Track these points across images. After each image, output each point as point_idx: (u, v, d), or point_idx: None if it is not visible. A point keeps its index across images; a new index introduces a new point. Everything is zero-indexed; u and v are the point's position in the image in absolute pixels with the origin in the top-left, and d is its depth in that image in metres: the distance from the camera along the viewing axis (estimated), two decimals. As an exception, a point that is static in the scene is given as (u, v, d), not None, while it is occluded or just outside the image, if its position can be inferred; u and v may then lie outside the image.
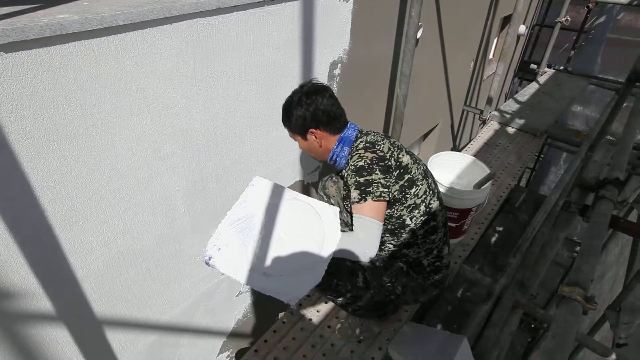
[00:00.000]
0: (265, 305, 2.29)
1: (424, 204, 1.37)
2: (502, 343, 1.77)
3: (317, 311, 1.71)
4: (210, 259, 1.24)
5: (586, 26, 5.40)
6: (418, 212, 1.37)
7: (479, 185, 1.89)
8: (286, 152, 1.93)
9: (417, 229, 1.38)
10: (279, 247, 1.25)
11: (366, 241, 1.23)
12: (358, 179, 1.28)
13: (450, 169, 2.07)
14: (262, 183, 1.37)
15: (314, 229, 1.27)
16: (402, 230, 1.38)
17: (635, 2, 4.42)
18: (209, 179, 1.61)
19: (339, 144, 1.40)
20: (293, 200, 1.35)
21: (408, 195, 1.34)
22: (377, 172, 1.27)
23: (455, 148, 4.41)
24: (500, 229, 4.92)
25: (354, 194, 1.28)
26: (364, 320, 1.69)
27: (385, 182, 1.28)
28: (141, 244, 1.46)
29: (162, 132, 1.34)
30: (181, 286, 1.72)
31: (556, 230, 1.65)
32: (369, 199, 1.26)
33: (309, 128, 1.39)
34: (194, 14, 1.24)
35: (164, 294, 1.65)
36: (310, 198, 1.37)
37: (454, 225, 1.95)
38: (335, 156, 1.42)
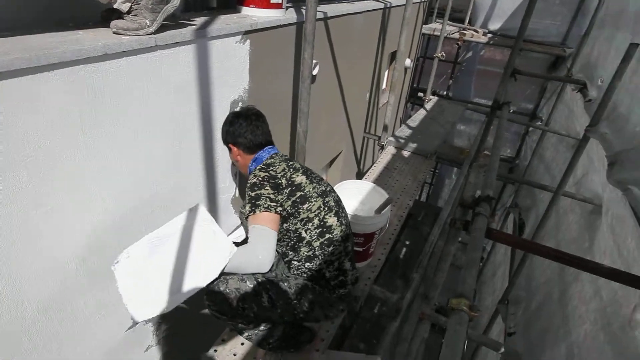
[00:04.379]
0: (178, 357, 2.14)
1: (317, 218, 1.50)
2: (414, 353, 1.91)
3: (234, 354, 1.66)
4: (117, 263, 1.39)
5: (459, 59, 6.28)
6: (312, 225, 1.49)
7: (379, 210, 2.04)
8: (191, 194, 1.88)
9: (312, 241, 1.49)
10: (165, 268, 1.37)
11: (257, 246, 1.37)
12: (250, 194, 1.45)
13: (353, 196, 2.21)
14: (196, 209, 1.53)
15: (203, 260, 1.40)
16: (300, 244, 1.49)
17: (491, 42, 5.32)
18: (106, 231, 1.49)
19: (252, 162, 1.61)
20: (204, 228, 1.49)
21: (301, 210, 1.47)
22: (266, 187, 1.44)
23: (360, 172, 4.70)
24: (408, 242, 5.32)
25: (247, 207, 1.44)
26: (282, 355, 1.68)
27: (274, 197, 1.44)
28: (20, 314, 1.28)
29: (45, 186, 1.22)
30: (76, 351, 1.54)
31: (447, 245, 1.85)
32: (257, 211, 1.41)
33: (228, 143, 1.65)
34: (78, 60, 1.18)
35: (55, 365, 1.46)
36: (219, 229, 1.49)
37: (361, 249, 2.07)
38: (251, 171, 1.59)
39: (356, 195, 2.23)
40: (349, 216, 1.73)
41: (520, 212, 4.91)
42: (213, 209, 2.08)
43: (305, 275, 1.52)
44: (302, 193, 1.49)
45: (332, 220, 1.53)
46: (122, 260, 1.40)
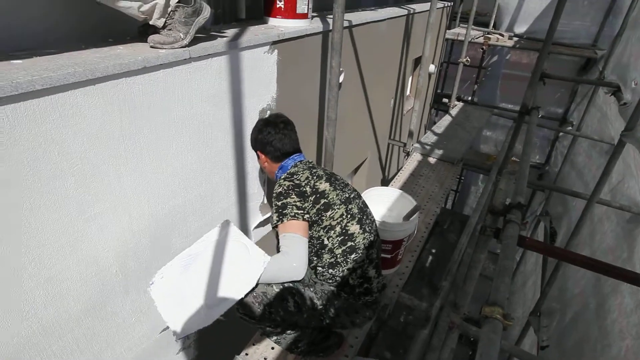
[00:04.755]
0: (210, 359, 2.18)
1: (339, 226, 1.50)
2: (444, 363, 1.88)
3: (264, 358, 1.68)
4: (152, 284, 1.40)
5: (484, 64, 6.18)
6: (334, 233, 1.50)
7: (407, 217, 2.03)
8: (221, 201, 1.93)
9: (334, 249, 1.50)
10: (201, 284, 1.38)
11: (290, 254, 1.39)
12: (277, 203, 1.48)
13: (381, 203, 2.21)
14: (225, 225, 1.54)
15: (238, 272, 1.41)
16: (323, 251, 1.51)
17: (517, 46, 5.23)
18: (142, 235, 1.55)
19: (279, 170, 1.67)
20: (235, 242, 1.50)
21: (324, 218, 1.49)
22: (292, 195, 1.47)
23: (385, 178, 4.68)
24: (434, 250, 5.23)
25: (274, 217, 1.48)
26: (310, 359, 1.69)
27: (300, 205, 1.46)
28: (67, 314, 1.35)
29: (88, 193, 1.28)
30: (115, 352, 1.60)
31: (477, 253, 1.82)
32: (285, 219, 1.44)
33: (256, 150, 1.73)
34: (120, 74, 1.25)
35: (94, 365, 1.52)
36: (249, 241, 1.50)
37: (389, 256, 2.06)
38: (277, 179, 1.64)
39: (384, 202, 2.23)
40: (376, 222, 1.74)
41: (552, 220, 4.75)
42: (242, 215, 2.12)
43: (330, 281, 1.53)
44: (325, 200, 1.50)
45: (354, 228, 1.53)
46: (157, 281, 1.43)
